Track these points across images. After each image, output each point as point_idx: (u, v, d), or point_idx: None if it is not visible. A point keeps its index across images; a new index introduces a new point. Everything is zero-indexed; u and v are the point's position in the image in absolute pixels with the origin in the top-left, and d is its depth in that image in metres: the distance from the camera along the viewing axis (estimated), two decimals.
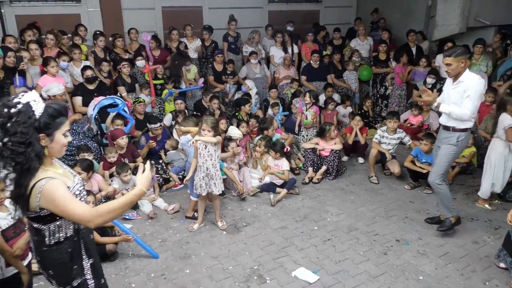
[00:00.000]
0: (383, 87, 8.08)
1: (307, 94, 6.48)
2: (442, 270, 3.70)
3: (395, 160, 5.74)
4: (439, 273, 3.66)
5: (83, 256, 2.13)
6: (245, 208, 4.96)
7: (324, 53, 8.40)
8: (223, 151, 5.32)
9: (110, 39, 7.03)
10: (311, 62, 7.92)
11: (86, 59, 6.46)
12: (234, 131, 5.67)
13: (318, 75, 7.97)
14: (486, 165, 4.76)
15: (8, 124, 1.80)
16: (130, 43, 7.33)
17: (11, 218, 2.65)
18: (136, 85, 6.63)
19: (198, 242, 4.21)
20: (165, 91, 6.78)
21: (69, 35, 6.75)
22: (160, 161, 5.60)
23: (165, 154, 5.71)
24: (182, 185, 5.46)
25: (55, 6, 7.31)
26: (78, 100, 5.79)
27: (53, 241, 2.00)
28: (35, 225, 1.99)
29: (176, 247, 4.12)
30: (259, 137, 5.92)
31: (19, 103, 1.83)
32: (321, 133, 5.90)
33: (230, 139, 5.47)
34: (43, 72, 5.53)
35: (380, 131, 5.83)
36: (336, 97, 7.70)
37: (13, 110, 1.81)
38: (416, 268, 3.74)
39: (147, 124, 5.80)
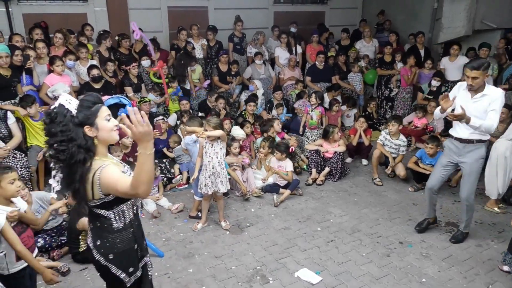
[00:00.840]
0: (388, 89, 8.07)
1: (313, 95, 6.50)
2: (445, 273, 3.70)
3: (400, 163, 5.73)
4: (442, 276, 3.66)
5: (144, 238, 2.30)
6: (249, 208, 4.97)
7: (329, 54, 8.41)
8: (227, 152, 5.35)
9: (116, 38, 7.06)
10: (316, 63, 7.92)
11: (92, 58, 6.50)
12: (238, 131, 5.69)
13: (323, 76, 7.97)
14: (487, 166, 4.76)
15: (52, 129, 1.92)
16: (135, 43, 7.36)
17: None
18: (142, 85, 6.66)
19: (201, 242, 4.23)
20: (170, 90, 6.80)
21: (76, 34, 6.78)
22: (164, 160, 5.63)
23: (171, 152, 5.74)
24: (186, 185, 5.49)
25: (62, 5, 7.35)
26: None
27: (119, 226, 2.11)
28: (99, 212, 2.07)
29: (180, 246, 4.14)
30: (261, 138, 5.93)
31: (54, 107, 1.94)
32: (325, 135, 5.90)
33: (233, 139, 5.48)
34: (50, 71, 5.57)
35: (384, 132, 5.83)
36: (339, 98, 7.69)
37: (52, 115, 1.92)
38: (419, 270, 3.74)
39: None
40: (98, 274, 2.24)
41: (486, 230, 4.45)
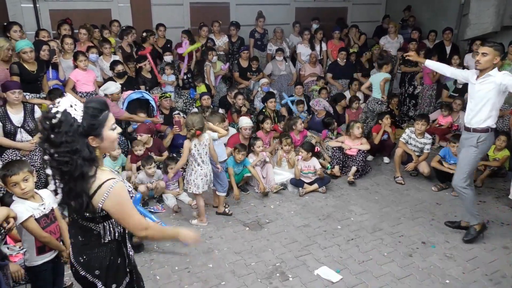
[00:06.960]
0: (412, 87, 7.91)
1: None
2: (470, 275, 3.61)
3: (423, 161, 5.60)
4: (466, 278, 3.57)
5: (129, 255, 2.14)
6: (268, 205, 4.96)
7: (351, 50, 8.29)
8: (249, 150, 5.37)
9: (144, 34, 7.09)
10: (338, 59, 7.83)
11: (115, 53, 6.58)
12: (244, 121, 5.59)
13: (344, 73, 7.88)
14: None
15: (52, 136, 1.73)
16: (158, 39, 7.41)
17: (43, 208, 2.72)
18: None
19: (221, 237, 4.24)
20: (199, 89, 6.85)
21: (99, 29, 6.87)
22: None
23: None
24: None
25: (87, 1, 7.49)
26: None
27: (105, 240, 1.97)
28: (86, 224, 1.92)
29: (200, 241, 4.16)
30: (275, 139, 5.90)
31: (57, 112, 1.73)
32: (346, 130, 5.87)
33: (256, 138, 5.46)
34: (76, 66, 5.67)
35: (409, 131, 5.70)
36: (360, 95, 7.58)
37: (53, 121, 1.72)
38: (442, 271, 3.66)
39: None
40: None
41: None
